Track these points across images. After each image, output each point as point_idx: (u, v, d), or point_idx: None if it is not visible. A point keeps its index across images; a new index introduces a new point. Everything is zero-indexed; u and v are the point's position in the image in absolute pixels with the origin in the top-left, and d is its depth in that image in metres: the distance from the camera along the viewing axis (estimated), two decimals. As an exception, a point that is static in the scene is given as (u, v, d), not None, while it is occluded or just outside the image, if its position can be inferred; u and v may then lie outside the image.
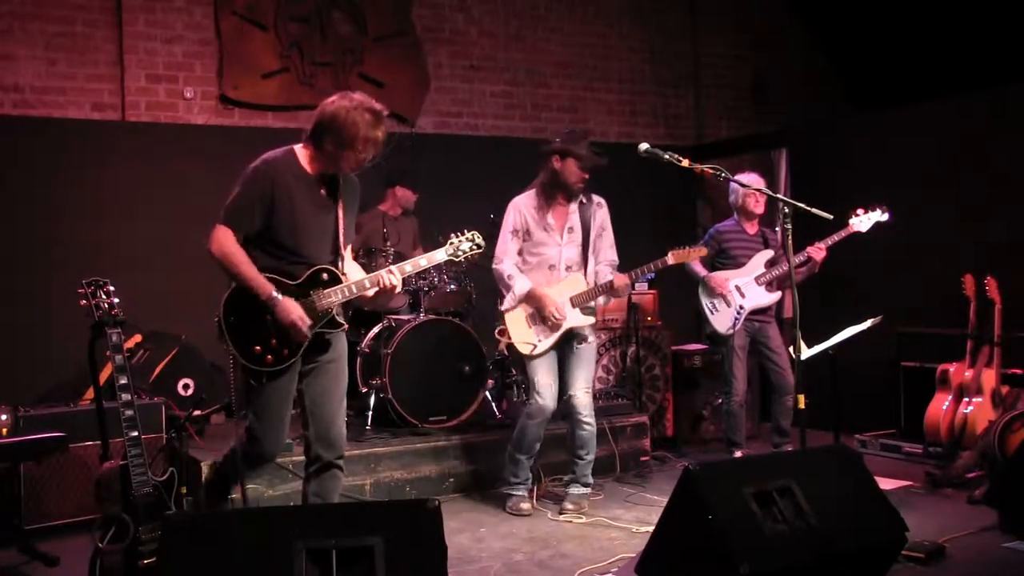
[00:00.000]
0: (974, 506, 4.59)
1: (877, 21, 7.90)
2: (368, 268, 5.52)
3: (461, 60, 7.36)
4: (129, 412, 3.33)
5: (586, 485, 4.87)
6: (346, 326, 3.64)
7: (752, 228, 5.67)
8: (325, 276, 3.54)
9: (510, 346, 4.75)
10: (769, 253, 5.59)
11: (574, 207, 4.72)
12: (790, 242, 3.96)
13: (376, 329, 5.53)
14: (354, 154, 3.45)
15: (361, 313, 5.90)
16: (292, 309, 3.42)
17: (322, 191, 3.55)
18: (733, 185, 5.55)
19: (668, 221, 7.53)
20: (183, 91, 6.40)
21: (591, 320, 4.72)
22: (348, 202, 3.62)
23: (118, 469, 3.33)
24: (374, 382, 5.31)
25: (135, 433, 3.33)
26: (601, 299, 4.77)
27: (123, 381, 3.34)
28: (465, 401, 5.32)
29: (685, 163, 3.88)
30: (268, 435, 3.56)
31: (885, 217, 5.25)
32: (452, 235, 3.82)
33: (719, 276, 5.53)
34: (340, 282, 3.56)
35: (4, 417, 4.33)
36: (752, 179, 5.14)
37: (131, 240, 5.93)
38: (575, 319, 4.65)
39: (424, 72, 7.17)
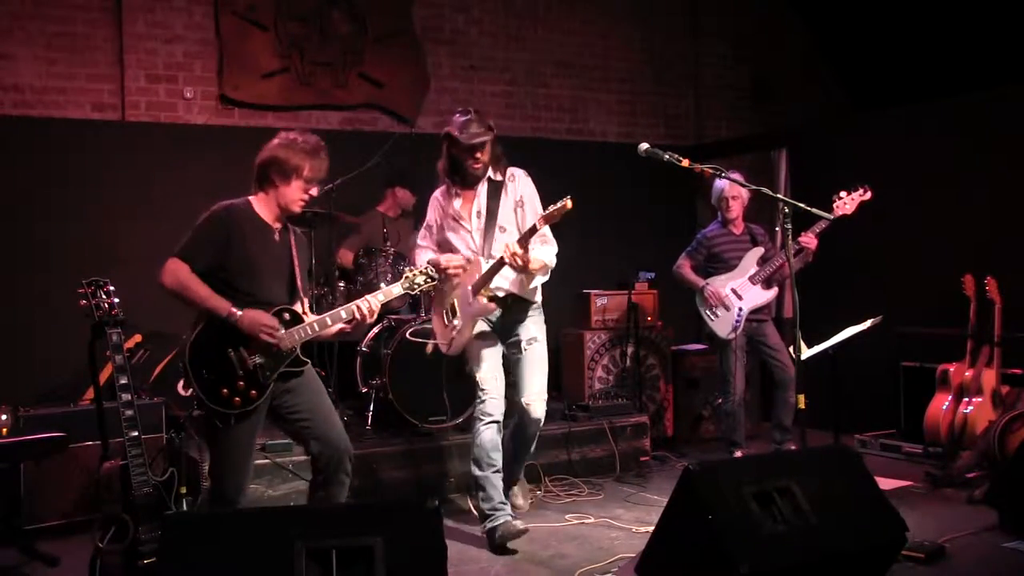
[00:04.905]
0: (974, 506, 4.59)
1: (877, 21, 7.90)
2: (368, 268, 5.57)
3: (461, 60, 7.35)
4: (129, 412, 3.35)
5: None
6: (309, 363, 3.60)
7: (738, 228, 5.66)
8: (287, 316, 3.51)
9: None
10: (760, 250, 5.58)
11: (482, 189, 4.29)
12: (790, 242, 3.96)
13: (376, 329, 5.52)
14: (301, 183, 3.52)
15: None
16: (256, 316, 3.40)
17: (276, 237, 3.59)
18: (716, 186, 5.54)
19: (668, 221, 7.54)
20: (183, 91, 6.39)
21: (494, 310, 4.19)
22: (301, 252, 3.67)
23: (118, 469, 3.34)
24: (374, 382, 5.31)
25: (135, 433, 3.34)
26: (509, 279, 4.18)
27: (123, 381, 3.36)
28: (465, 401, 5.30)
29: (685, 163, 3.88)
30: (229, 478, 3.48)
31: (868, 196, 5.11)
32: (407, 270, 3.76)
33: (714, 287, 5.50)
34: (302, 321, 3.53)
35: (4, 417, 4.34)
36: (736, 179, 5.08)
37: (131, 240, 5.91)
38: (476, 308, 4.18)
39: (424, 72, 7.16)
